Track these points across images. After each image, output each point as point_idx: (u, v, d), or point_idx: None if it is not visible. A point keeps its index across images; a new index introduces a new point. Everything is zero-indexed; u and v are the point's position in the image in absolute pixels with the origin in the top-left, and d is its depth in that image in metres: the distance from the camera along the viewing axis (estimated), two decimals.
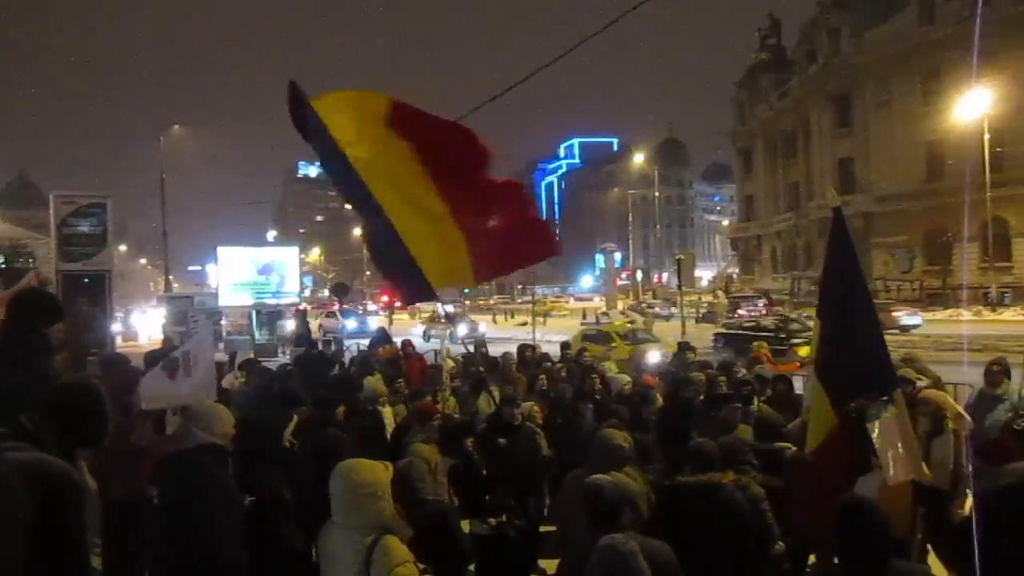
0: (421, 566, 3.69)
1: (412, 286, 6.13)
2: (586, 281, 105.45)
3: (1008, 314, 39.81)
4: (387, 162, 5.94)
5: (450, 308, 47.98)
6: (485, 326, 42.92)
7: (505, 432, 7.03)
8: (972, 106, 41.70)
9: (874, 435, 4.49)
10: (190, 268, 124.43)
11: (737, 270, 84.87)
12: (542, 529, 7.13)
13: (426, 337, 37.73)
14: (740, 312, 43.78)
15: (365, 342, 18.51)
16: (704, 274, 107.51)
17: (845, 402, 4.61)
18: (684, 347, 12.79)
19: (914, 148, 54.03)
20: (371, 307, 67.86)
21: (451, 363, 12.50)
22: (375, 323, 43.66)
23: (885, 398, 4.52)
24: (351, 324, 40.08)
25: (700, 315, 48.23)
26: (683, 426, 6.31)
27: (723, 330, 31.19)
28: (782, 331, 26.25)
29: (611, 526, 3.94)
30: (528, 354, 12.46)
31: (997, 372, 7.81)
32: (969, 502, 4.43)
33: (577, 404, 7.80)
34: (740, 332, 28.36)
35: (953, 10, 50.29)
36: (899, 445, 4.48)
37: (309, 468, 5.07)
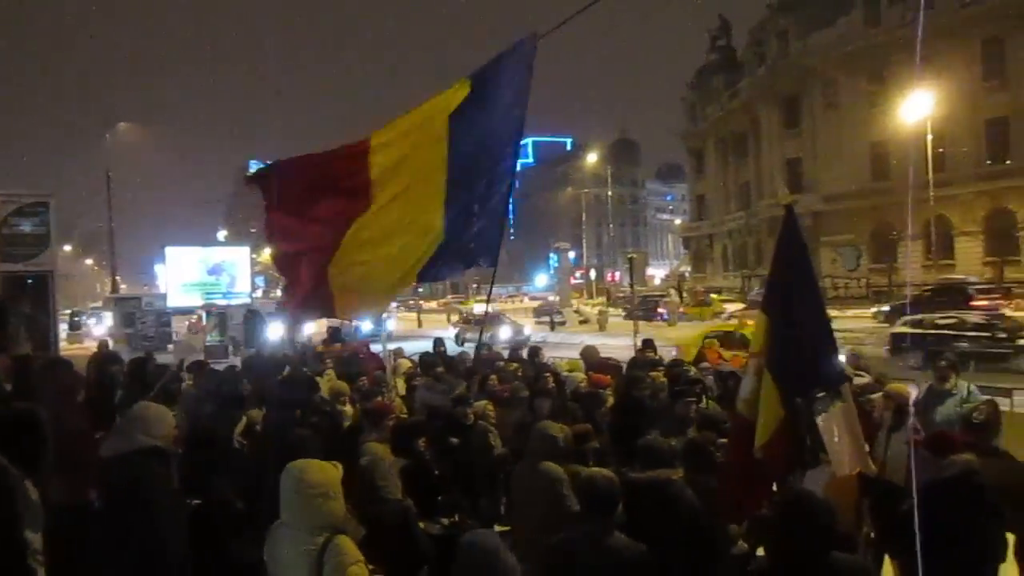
0: (371, 566, 3.67)
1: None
2: (540, 280, 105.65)
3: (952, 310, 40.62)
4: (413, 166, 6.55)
5: (485, 308, 45.41)
6: (530, 328, 38.01)
7: (458, 431, 7.01)
8: (915, 108, 42.63)
9: (822, 429, 4.56)
10: (138, 269, 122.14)
11: (689, 268, 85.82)
12: (497, 528, 7.12)
13: (459, 340, 33.27)
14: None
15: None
16: (657, 272, 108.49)
17: (793, 397, 4.67)
18: (646, 345, 12.86)
19: (860, 148, 55.19)
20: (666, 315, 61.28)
21: (407, 363, 12.43)
22: (392, 324, 41.72)
23: (833, 393, 4.59)
24: (366, 326, 36.61)
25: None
26: (634, 423, 6.33)
27: (907, 329, 23.93)
28: (999, 330, 20.88)
29: (604, 520, 3.94)
30: (483, 352, 12.45)
31: (945, 368, 8.00)
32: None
33: (533, 402, 7.78)
34: (935, 332, 22.01)
35: (897, 13, 51.46)
36: (846, 439, 4.55)
37: (275, 471, 5.00)
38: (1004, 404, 9.77)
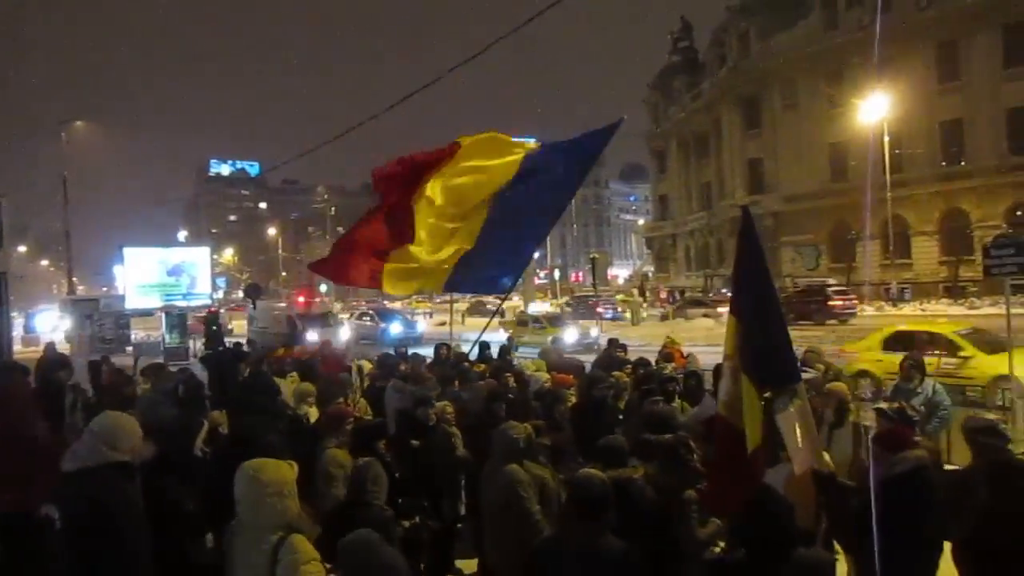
0: (327, 565, 3.67)
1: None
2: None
3: (908, 309, 41.53)
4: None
5: (543, 306, 42.31)
6: (599, 331, 32.49)
7: (419, 433, 6.97)
8: (872, 110, 43.38)
9: (781, 427, 4.61)
10: (96, 270, 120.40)
11: (652, 268, 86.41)
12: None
13: (511, 344, 26.18)
14: None
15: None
16: (620, 272, 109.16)
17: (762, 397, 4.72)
18: (612, 344, 12.92)
19: (819, 149, 55.93)
20: (419, 309, 58.28)
21: (368, 365, 12.37)
22: (423, 326, 40.49)
23: (790, 391, 4.65)
24: (395, 328, 36.39)
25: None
26: (595, 422, 6.36)
27: None
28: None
29: (597, 523, 3.94)
30: (443, 353, 12.41)
31: (910, 367, 8.20)
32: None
33: (491, 404, 7.75)
34: None
35: (855, 16, 52.28)
36: (803, 436, 4.62)
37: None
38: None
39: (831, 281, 44.99)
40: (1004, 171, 45.84)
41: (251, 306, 35.82)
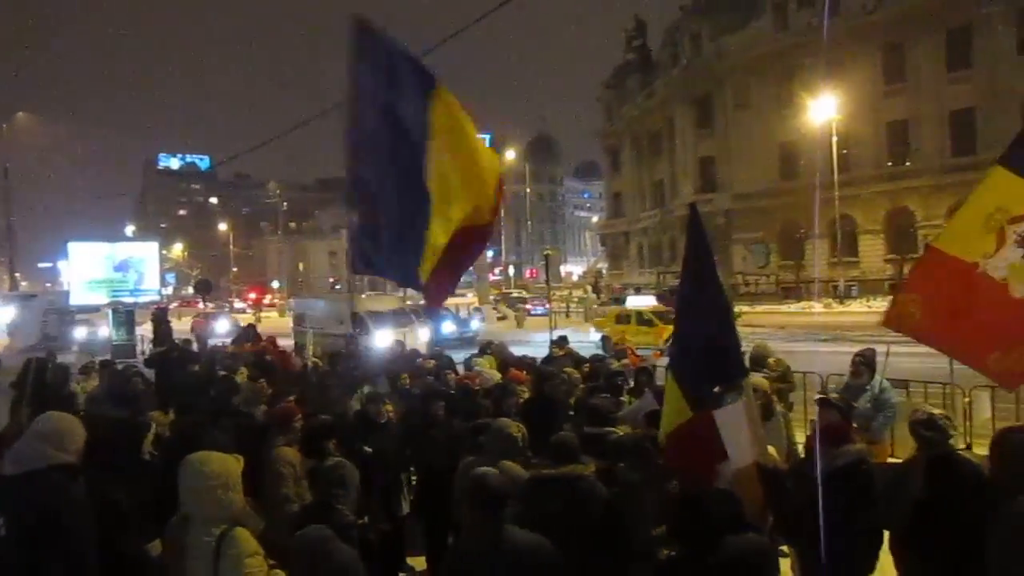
0: (271, 561, 3.66)
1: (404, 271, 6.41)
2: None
3: (855, 306, 42.45)
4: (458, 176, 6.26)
5: (647, 300, 37.28)
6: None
7: (371, 431, 6.94)
8: (822, 110, 44.20)
9: (721, 423, 4.69)
10: (40, 265, 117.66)
11: (606, 265, 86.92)
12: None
13: (607, 345, 24.18)
14: None
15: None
16: (575, 269, 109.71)
17: (703, 391, 4.78)
18: (559, 341, 12.96)
19: (770, 149, 56.76)
20: (537, 308, 50.28)
21: (319, 363, 12.26)
22: (477, 324, 36.05)
23: (735, 387, 4.73)
24: (447, 327, 31.39)
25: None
26: (547, 419, 6.38)
27: None
28: None
29: (496, 517, 3.96)
30: (396, 349, 12.37)
31: (859, 364, 8.37)
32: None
33: (429, 403, 7.72)
34: None
35: (805, 18, 53.18)
36: (746, 431, 4.70)
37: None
38: (900, 395, 10.21)
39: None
40: (947, 171, 46.99)
41: (290, 300, 33.16)
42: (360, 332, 23.61)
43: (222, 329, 34.56)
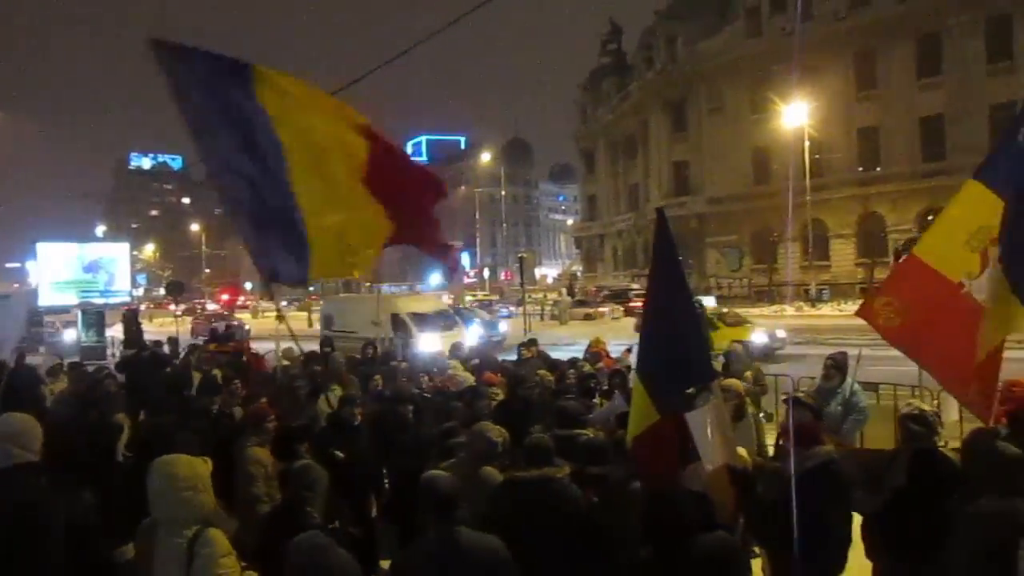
0: (243, 563, 3.66)
1: (288, 266, 6.24)
2: (434, 279, 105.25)
3: (826, 309, 42.88)
4: (323, 147, 5.95)
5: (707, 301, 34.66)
6: (784, 331, 26.55)
7: (345, 433, 6.91)
8: (794, 115, 44.64)
9: (691, 425, 4.73)
10: (8, 265, 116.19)
11: (581, 268, 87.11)
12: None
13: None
14: None
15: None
16: (549, 272, 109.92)
17: (671, 394, 4.82)
18: (530, 343, 13.01)
19: (743, 153, 57.21)
20: (503, 310, 48.64)
21: (286, 364, 12.18)
22: (505, 327, 33.11)
23: (706, 390, 4.78)
24: (474, 332, 26.74)
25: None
26: (521, 422, 6.39)
27: None
28: None
29: (447, 519, 3.96)
30: (369, 352, 12.34)
31: (829, 367, 8.44)
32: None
33: (396, 405, 7.73)
34: None
35: (778, 25, 53.68)
36: (716, 433, 4.75)
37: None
38: (871, 398, 10.34)
39: (635, 286, 50.80)
40: (917, 177, 47.69)
41: (318, 298, 31.07)
42: (402, 335, 21.85)
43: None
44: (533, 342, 13.04)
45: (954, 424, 9.92)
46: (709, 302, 35.20)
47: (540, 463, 4.85)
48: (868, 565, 5.08)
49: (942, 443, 5.46)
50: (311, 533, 3.73)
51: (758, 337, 23.26)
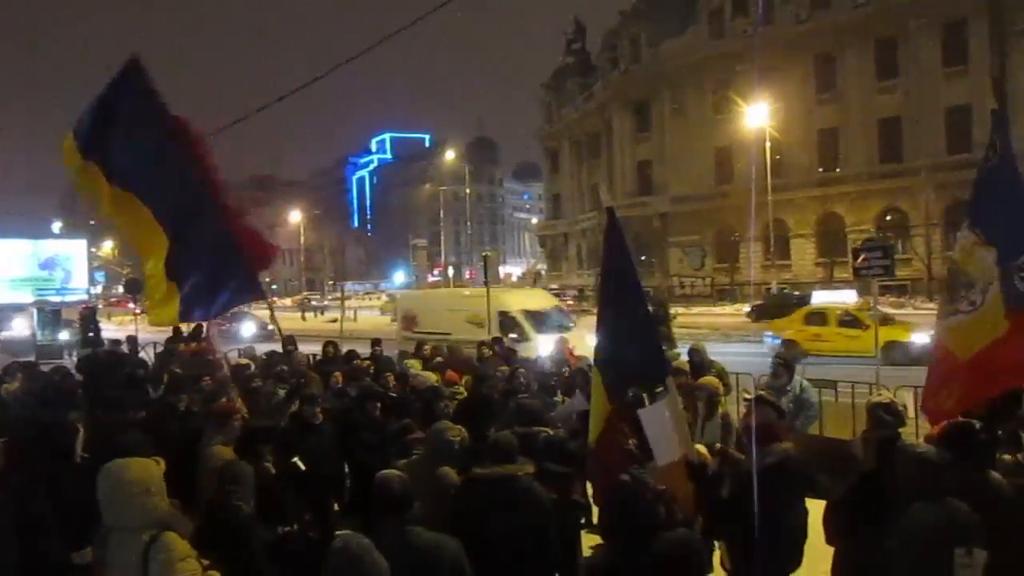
0: (205, 561, 3.60)
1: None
2: (398, 277, 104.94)
3: None
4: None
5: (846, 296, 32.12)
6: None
7: (306, 433, 6.88)
8: (756, 116, 45.16)
9: (645, 421, 4.79)
10: None
11: (545, 267, 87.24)
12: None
13: (788, 354, 12.75)
14: None
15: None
16: (514, 270, 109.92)
17: (624, 392, 4.88)
18: (492, 343, 13.03)
19: (705, 153, 57.67)
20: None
21: (243, 362, 12.07)
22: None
23: (660, 387, 4.84)
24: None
25: None
26: (483, 420, 6.41)
27: None
28: None
29: (400, 518, 3.97)
30: (330, 351, 12.28)
31: (778, 365, 8.55)
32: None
33: (364, 403, 7.71)
34: None
35: (740, 27, 54.29)
36: (670, 429, 4.81)
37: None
38: (829, 395, 10.52)
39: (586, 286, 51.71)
40: (875, 178, 48.55)
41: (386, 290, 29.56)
42: (515, 337, 18.74)
43: (247, 333, 31.36)
44: (497, 340, 13.07)
45: (910, 421, 10.15)
46: (849, 297, 32.46)
47: (503, 461, 4.87)
48: (821, 558, 5.18)
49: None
50: (354, 535, 3.62)
51: (918, 338, 20.10)
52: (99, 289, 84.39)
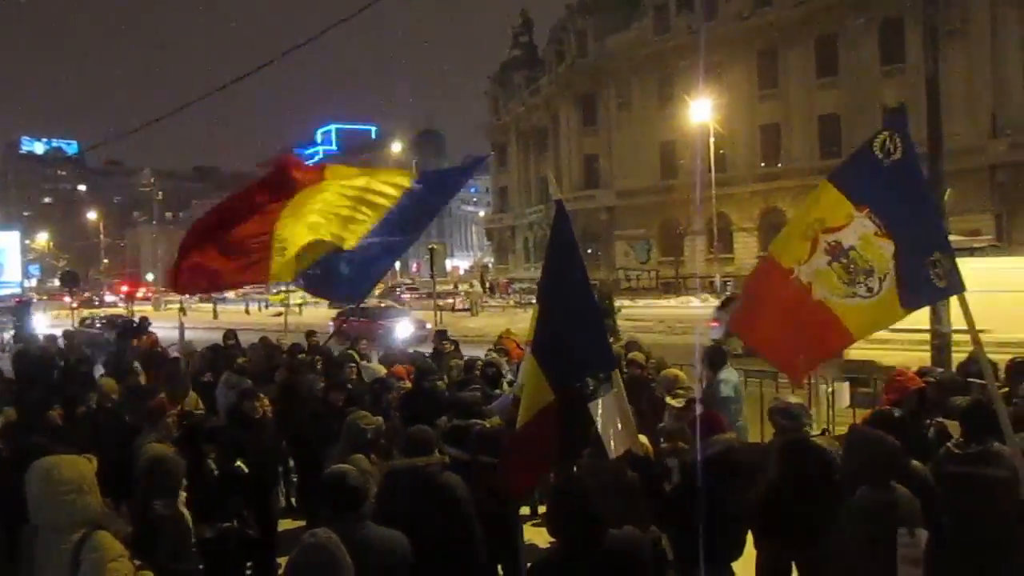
0: (137, 562, 3.51)
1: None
2: None
3: None
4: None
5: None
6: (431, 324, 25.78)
7: (246, 427, 6.77)
8: (700, 111, 45.73)
9: (597, 413, 4.81)
10: None
11: (492, 260, 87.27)
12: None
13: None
14: None
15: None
16: (461, 263, 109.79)
17: (568, 383, 4.89)
18: (440, 336, 12.96)
19: (651, 147, 58.25)
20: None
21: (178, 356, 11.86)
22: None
23: (604, 378, 4.86)
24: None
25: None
26: (424, 412, 6.42)
27: None
28: None
29: (357, 514, 3.92)
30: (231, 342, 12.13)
31: (716, 360, 8.61)
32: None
33: (328, 394, 7.70)
34: None
35: (685, 22, 54.86)
36: (617, 422, 4.85)
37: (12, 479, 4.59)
38: (769, 387, 10.67)
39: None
40: (815, 173, 49.24)
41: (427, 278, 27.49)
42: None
43: (404, 333, 26.38)
44: (444, 334, 13.01)
45: (846, 410, 10.35)
46: None
47: (419, 453, 4.85)
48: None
49: (818, 431, 5.72)
50: (322, 532, 3.49)
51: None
52: (34, 282, 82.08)
